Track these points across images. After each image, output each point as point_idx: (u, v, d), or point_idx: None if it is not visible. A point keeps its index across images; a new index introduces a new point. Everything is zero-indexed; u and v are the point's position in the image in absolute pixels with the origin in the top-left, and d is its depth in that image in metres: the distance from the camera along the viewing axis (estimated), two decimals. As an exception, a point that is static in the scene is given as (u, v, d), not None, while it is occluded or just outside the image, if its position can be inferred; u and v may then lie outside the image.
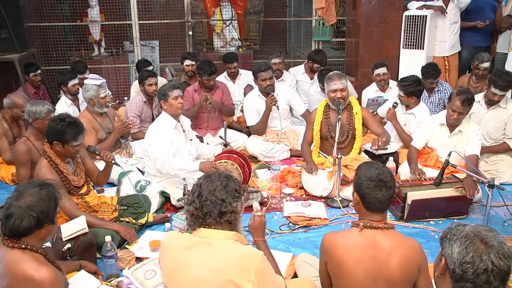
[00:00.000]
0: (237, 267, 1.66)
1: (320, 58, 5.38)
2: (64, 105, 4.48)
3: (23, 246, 1.78)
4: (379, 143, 3.43)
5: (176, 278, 1.72)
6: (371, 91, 4.87)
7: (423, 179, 3.34)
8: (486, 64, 4.61)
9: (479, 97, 3.98)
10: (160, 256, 1.82)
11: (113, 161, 3.01)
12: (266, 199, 3.50)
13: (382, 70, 4.76)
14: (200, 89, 4.65)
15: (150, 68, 5.16)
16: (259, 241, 2.02)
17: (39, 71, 5.21)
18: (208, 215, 1.70)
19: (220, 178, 1.76)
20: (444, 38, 5.38)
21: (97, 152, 3.04)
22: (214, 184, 1.73)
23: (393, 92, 4.78)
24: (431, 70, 4.46)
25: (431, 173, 3.44)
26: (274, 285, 1.76)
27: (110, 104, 4.06)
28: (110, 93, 4.20)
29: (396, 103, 4.10)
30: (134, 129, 4.44)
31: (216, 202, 1.70)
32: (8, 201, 1.83)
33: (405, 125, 4.10)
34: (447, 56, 5.43)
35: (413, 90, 3.97)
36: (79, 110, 4.53)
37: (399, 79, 4.26)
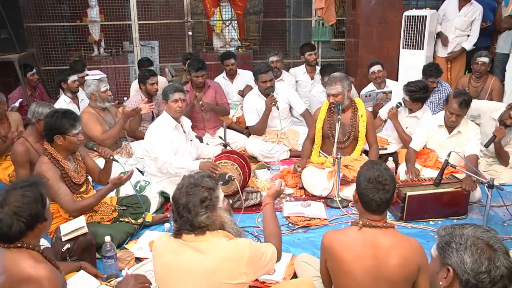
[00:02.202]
0: (228, 265, 1.68)
1: (306, 46, 5.51)
2: (63, 103, 4.47)
3: (19, 245, 1.78)
4: None
5: (169, 282, 1.74)
6: (369, 87, 4.88)
7: (420, 179, 3.34)
8: (484, 59, 4.61)
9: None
10: (153, 260, 1.84)
11: (111, 157, 3.00)
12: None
13: (377, 68, 4.78)
14: (192, 89, 4.64)
15: (152, 67, 5.16)
16: (270, 203, 2.16)
17: (35, 70, 5.21)
18: (183, 229, 1.73)
19: (186, 190, 1.73)
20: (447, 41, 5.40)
21: (95, 149, 3.03)
22: (181, 200, 1.73)
23: (390, 89, 4.79)
24: (434, 69, 4.47)
25: (431, 173, 3.44)
26: (267, 261, 1.82)
27: (111, 98, 4.06)
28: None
29: (400, 103, 4.09)
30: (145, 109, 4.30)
31: (185, 220, 1.70)
32: None
33: (406, 127, 4.08)
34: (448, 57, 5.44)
35: (419, 97, 3.96)
36: (79, 108, 4.53)
37: (403, 81, 4.24)
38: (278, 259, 1.94)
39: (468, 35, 5.35)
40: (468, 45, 5.34)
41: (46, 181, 1.98)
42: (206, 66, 4.63)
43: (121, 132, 3.96)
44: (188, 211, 1.70)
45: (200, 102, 4.44)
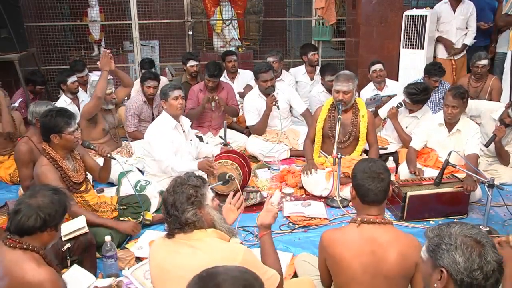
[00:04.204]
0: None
1: (308, 47, 5.50)
2: (63, 103, 4.47)
3: (25, 246, 1.79)
4: None
5: (164, 281, 1.75)
6: (368, 90, 4.89)
7: (421, 178, 3.34)
8: (484, 62, 4.61)
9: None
10: (149, 262, 1.85)
11: (108, 155, 3.00)
12: (266, 199, 3.49)
13: (378, 66, 4.78)
14: (205, 89, 4.65)
15: (152, 69, 5.16)
16: (266, 234, 1.93)
17: (43, 86, 5.23)
18: (173, 228, 1.77)
19: (173, 190, 1.78)
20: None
21: (91, 147, 3.03)
22: (168, 200, 1.77)
23: (390, 89, 4.80)
24: (437, 68, 4.47)
25: (431, 173, 3.44)
26: (265, 278, 1.74)
27: (115, 100, 4.07)
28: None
29: (401, 103, 4.09)
30: (131, 128, 4.45)
31: (174, 218, 1.74)
32: (20, 198, 1.88)
33: (406, 127, 4.09)
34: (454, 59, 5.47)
35: (419, 99, 3.96)
36: (79, 109, 4.53)
37: (402, 81, 4.24)
38: None
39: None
40: (469, 40, 5.38)
41: (71, 199, 2.10)
42: (222, 74, 4.65)
43: (106, 86, 3.86)
44: (176, 209, 1.74)
45: (216, 99, 4.45)
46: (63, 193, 1.95)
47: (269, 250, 1.91)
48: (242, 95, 5.20)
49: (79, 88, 4.67)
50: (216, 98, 4.47)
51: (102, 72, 3.87)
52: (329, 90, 4.66)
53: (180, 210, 1.74)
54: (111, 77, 4.07)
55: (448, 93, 3.45)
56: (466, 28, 5.38)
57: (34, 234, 1.81)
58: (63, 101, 4.53)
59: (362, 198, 1.90)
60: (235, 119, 5.11)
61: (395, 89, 4.76)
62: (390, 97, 4.53)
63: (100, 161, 3.20)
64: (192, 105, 4.54)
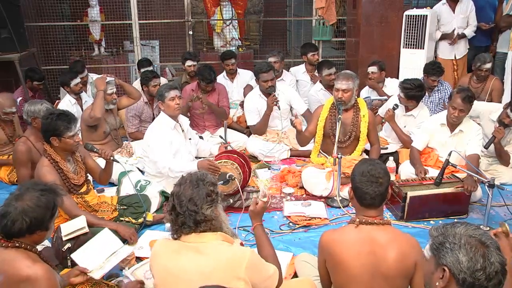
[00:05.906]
0: (227, 267, 1.66)
1: (308, 46, 5.50)
2: (68, 103, 4.48)
3: (17, 245, 1.79)
4: None
5: (168, 284, 1.72)
6: (366, 91, 4.89)
7: (426, 178, 3.34)
8: (488, 65, 4.60)
9: None
10: (150, 264, 1.82)
11: (111, 158, 3.00)
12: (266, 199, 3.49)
13: (371, 69, 4.77)
14: (197, 89, 4.65)
15: (151, 68, 5.16)
16: (257, 225, 2.05)
17: (43, 81, 5.22)
18: (184, 226, 1.70)
19: (191, 184, 1.72)
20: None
21: (95, 150, 3.03)
22: (185, 193, 1.70)
23: (388, 90, 4.79)
24: (436, 67, 4.48)
25: (431, 173, 3.44)
26: (268, 276, 1.77)
27: (116, 101, 4.07)
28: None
29: (396, 105, 4.09)
30: (132, 129, 4.48)
31: (189, 214, 1.68)
32: (9, 198, 1.84)
33: (404, 127, 4.10)
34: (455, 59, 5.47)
35: (413, 94, 3.97)
36: (82, 109, 4.54)
37: (402, 79, 4.24)
38: (280, 282, 1.87)
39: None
40: (468, 31, 5.39)
41: (64, 194, 2.04)
42: (216, 77, 4.65)
43: (103, 105, 3.85)
44: (194, 204, 1.68)
45: (200, 98, 4.43)
46: (52, 192, 1.89)
47: (263, 241, 1.99)
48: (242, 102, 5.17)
49: (82, 89, 4.68)
50: (200, 96, 4.43)
51: (97, 92, 3.86)
52: (327, 87, 4.67)
53: (199, 205, 1.68)
54: (113, 78, 4.07)
55: (457, 96, 3.40)
56: (467, 26, 5.39)
57: (23, 236, 1.80)
58: (68, 101, 4.55)
59: (359, 200, 1.91)
60: (235, 118, 5.11)
61: (394, 87, 4.76)
62: (381, 101, 4.53)
63: (101, 161, 3.21)
64: (184, 104, 4.52)
